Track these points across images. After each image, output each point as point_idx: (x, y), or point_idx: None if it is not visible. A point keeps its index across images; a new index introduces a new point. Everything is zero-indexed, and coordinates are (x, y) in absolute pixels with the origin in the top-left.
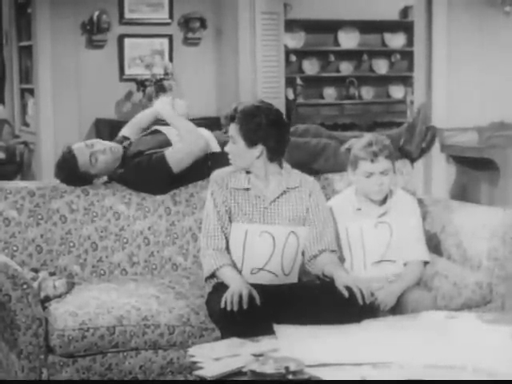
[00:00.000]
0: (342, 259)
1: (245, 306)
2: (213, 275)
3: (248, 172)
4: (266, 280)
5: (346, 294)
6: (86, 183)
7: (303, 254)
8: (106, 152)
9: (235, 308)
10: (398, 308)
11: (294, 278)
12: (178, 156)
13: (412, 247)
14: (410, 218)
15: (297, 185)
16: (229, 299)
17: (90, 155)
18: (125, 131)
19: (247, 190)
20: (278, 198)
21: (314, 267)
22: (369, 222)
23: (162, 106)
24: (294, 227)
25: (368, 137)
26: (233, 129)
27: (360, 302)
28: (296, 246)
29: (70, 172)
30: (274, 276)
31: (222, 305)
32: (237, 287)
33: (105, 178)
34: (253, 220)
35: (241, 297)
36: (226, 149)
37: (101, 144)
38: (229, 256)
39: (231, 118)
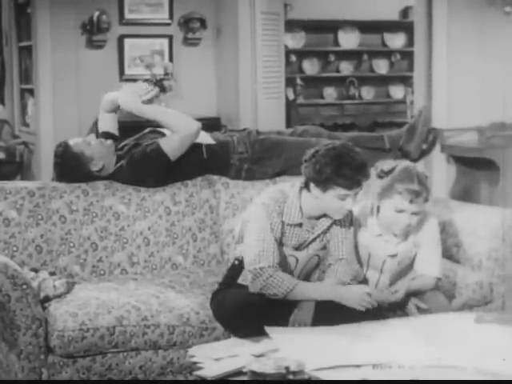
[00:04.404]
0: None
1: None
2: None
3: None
4: None
5: None
6: (85, 171)
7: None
8: (97, 140)
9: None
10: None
11: None
12: (172, 143)
13: (427, 262)
14: (429, 238)
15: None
16: (367, 299)
17: (82, 139)
18: (102, 126)
19: (300, 225)
20: (325, 230)
21: None
22: (389, 247)
23: (126, 100)
24: (319, 251)
25: (409, 168)
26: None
27: None
28: (316, 264)
29: (68, 159)
30: None
31: (362, 308)
32: (352, 288)
33: (101, 164)
34: (288, 245)
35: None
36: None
37: (91, 136)
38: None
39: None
